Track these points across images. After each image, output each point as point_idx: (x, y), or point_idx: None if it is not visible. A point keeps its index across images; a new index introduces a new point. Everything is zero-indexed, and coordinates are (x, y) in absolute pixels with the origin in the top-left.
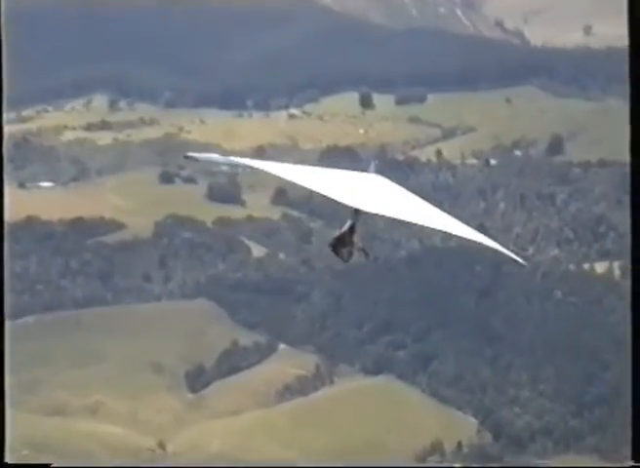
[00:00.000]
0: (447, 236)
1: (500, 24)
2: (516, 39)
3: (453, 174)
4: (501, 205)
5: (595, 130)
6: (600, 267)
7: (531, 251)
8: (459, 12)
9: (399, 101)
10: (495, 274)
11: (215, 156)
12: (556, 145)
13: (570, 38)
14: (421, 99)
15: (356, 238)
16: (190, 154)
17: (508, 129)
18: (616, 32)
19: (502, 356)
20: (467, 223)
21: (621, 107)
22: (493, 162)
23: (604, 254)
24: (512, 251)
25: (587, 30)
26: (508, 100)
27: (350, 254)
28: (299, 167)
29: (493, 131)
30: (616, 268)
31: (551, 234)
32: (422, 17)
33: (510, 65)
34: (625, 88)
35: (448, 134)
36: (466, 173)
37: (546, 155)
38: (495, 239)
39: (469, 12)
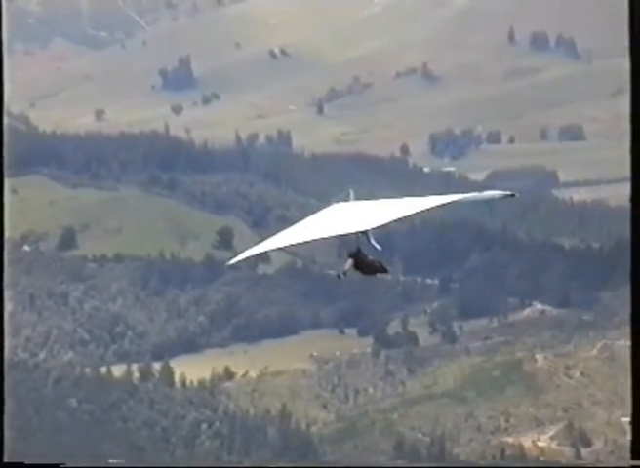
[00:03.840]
0: None
1: (5, 109)
2: (22, 124)
3: None
4: (8, 306)
5: (109, 221)
6: (118, 370)
7: (42, 355)
8: None
9: None
10: None
11: (252, 251)
12: (68, 239)
13: (82, 123)
14: None
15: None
16: (234, 261)
17: (16, 222)
18: (129, 118)
19: None
20: None
21: (137, 196)
22: None
23: (122, 356)
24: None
25: (100, 115)
26: (14, 191)
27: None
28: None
29: None
30: (135, 371)
31: (65, 336)
32: None
33: (17, 153)
34: (140, 177)
35: None
36: None
37: (58, 250)
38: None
39: None
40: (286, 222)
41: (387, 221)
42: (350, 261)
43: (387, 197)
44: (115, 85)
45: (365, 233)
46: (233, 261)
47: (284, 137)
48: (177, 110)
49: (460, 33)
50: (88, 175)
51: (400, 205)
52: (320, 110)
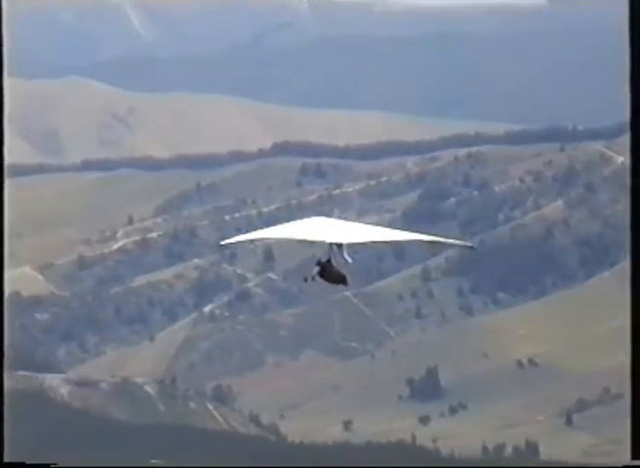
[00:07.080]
0: None
1: (255, 419)
2: (272, 435)
3: None
4: None
5: None
6: None
7: None
8: (210, 406)
9: None
10: None
11: (248, 236)
12: None
13: (330, 433)
14: None
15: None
16: (225, 241)
17: None
18: (376, 428)
19: None
20: None
21: None
22: None
23: None
24: None
25: (347, 425)
26: None
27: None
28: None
29: None
30: None
31: None
32: (171, 411)
33: (265, 463)
34: None
35: None
36: None
37: None
38: None
39: (222, 406)
40: None
41: (364, 241)
42: (317, 268)
43: None
44: (363, 395)
45: (339, 246)
46: (225, 243)
47: (531, 447)
48: (424, 421)
49: None
50: None
51: (379, 231)
52: (569, 421)
